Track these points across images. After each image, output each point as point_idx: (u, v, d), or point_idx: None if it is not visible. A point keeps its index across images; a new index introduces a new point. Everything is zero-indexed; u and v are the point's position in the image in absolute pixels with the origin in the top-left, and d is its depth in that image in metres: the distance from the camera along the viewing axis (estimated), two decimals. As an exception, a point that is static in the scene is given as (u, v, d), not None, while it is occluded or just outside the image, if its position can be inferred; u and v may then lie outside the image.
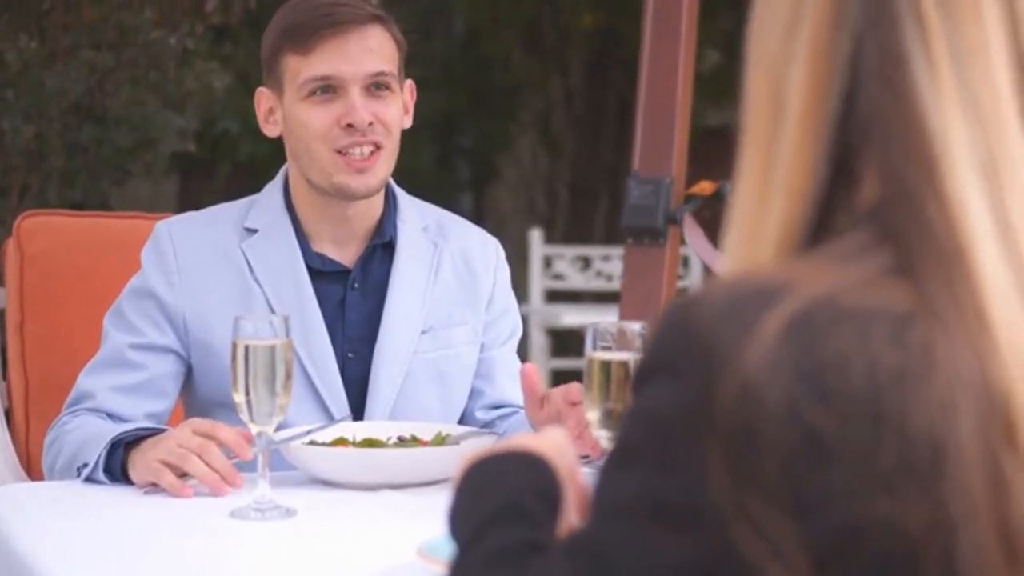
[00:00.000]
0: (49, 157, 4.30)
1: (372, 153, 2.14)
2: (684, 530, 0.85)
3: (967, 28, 0.89)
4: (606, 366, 1.63)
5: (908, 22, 0.89)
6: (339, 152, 2.13)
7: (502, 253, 2.36)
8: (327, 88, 2.13)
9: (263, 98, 2.22)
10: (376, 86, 2.14)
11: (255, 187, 2.31)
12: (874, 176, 0.90)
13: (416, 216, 2.28)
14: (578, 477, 1.14)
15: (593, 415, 1.64)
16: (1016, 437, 0.84)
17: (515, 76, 9.54)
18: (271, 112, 2.21)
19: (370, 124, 2.12)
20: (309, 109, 2.14)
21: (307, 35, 2.12)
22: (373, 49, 2.13)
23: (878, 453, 0.83)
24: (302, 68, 2.13)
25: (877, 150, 0.89)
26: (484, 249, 2.32)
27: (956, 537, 0.83)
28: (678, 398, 0.86)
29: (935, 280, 0.86)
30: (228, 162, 8.43)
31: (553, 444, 1.13)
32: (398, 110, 2.18)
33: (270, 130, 2.22)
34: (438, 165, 8.87)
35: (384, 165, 2.16)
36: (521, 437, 1.15)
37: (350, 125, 2.11)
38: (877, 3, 0.90)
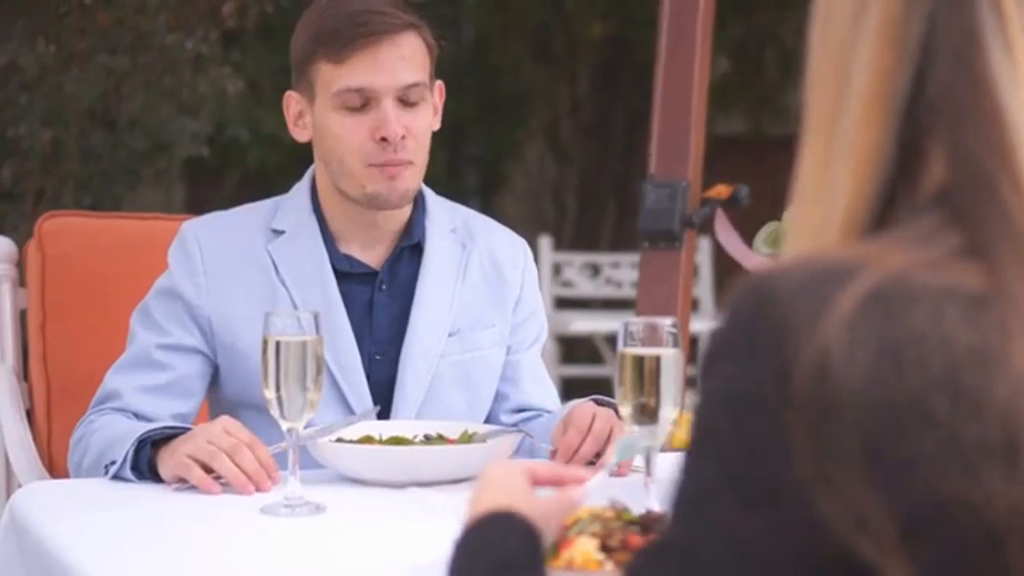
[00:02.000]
0: (64, 162, 4.30)
1: (402, 164, 2.14)
2: (772, 509, 0.85)
3: None
4: (639, 361, 1.63)
5: (984, 6, 0.89)
6: (372, 165, 2.13)
7: (530, 254, 2.36)
8: (360, 99, 2.12)
9: (292, 102, 2.21)
10: (409, 96, 2.13)
11: (264, 195, 2.30)
12: (942, 159, 0.90)
13: (445, 217, 2.28)
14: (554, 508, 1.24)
15: (625, 411, 1.65)
16: None
17: (524, 84, 9.55)
18: (300, 116, 2.20)
19: (403, 138, 2.12)
20: (342, 119, 2.13)
21: (341, 44, 2.10)
22: (406, 58, 2.12)
23: (956, 432, 0.83)
24: (335, 78, 2.12)
25: (947, 133, 0.89)
26: (512, 250, 2.33)
27: None
28: (754, 375, 0.86)
29: (1011, 263, 0.86)
30: (237, 169, 8.43)
31: (521, 495, 1.18)
32: (428, 118, 2.18)
33: (300, 134, 2.21)
34: (447, 172, 8.87)
35: (414, 178, 2.16)
36: (493, 492, 1.20)
37: (383, 139, 2.11)
38: None
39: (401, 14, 2.14)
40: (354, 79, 2.11)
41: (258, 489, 1.86)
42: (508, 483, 1.23)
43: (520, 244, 2.35)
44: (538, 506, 1.22)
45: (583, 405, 2.04)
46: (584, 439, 1.98)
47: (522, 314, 2.31)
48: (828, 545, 0.84)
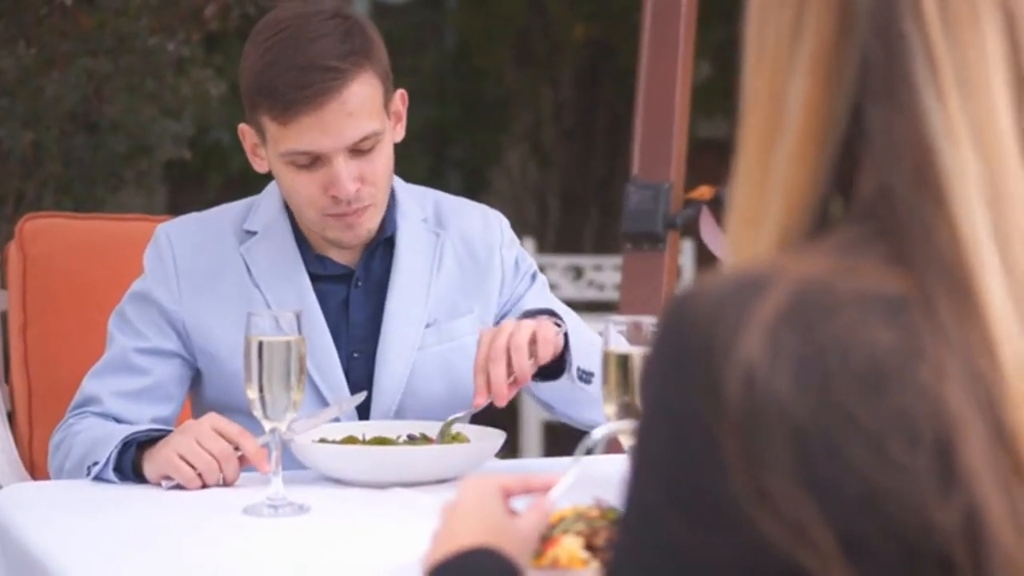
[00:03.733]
0: (45, 164, 4.28)
1: (360, 211, 2.11)
2: (715, 526, 0.85)
3: (971, 59, 0.88)
4: (623, 360, 1.63)
5: (915, 46, 0.88)
6: (328, 215, 2.10)
7: (506, 225, 2.32)
8: (308, 159, 2.06)
9: (247, 134, 2.15)
10: (361, 147, 2.07)
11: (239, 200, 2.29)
12: (871, 186, 0.90)
13: (415, 207, 2.26)
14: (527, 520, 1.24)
15: (610, 409, 1.65)
16: None
17: (506, 88, 9.55)
18: (257, 146, 2.15)
19: (356, 190, 2.08)
20: (293, 176, 2.09)
21: (283, 107, 2.03)
22: (353, 113, 2.04)
23: (884, 440, 0.83)
24: (280, 139, 2.05)
25: (879, 169, 0.89)
26: (487, 230, 2.29)
27: (981, 539, 0.82)
28: (685, 393, 0.86)
29: (941, 291, 0.86)
30: (220, 174, 8.41)
31: (498, 525, 1.20)
32: (387, 156, 2.12)
33: (259, 165, 2.17)
34: (429, 176, 8.87)
35: (374, 216, 2.14)
36: (470, 524, 1.19)
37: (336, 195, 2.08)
38: (884, 22, 0.89)
39: (344, 60, 2.03)
40: (300, 143, 2.04)
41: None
42: (484, 512, 1.23)
43: (494, 220, 2.31)
44: (517, 533, 1.22)
45: (483, 333, 2.02)
46: (487, 375, 1.96)
47: (510, 288, 2.28)
48: (773, 559, 0.83)
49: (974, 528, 0.82)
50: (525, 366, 1.96)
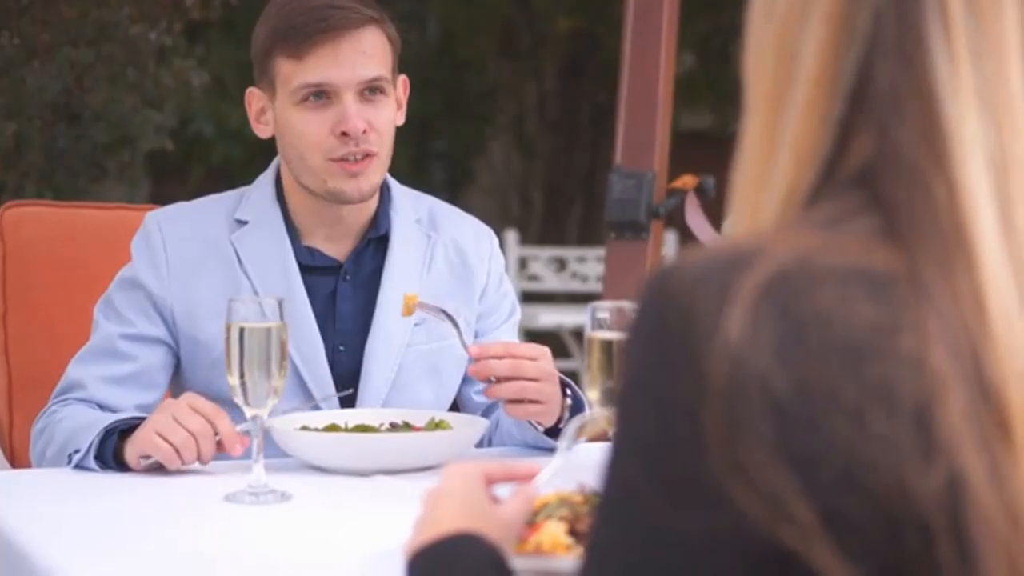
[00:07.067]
0: (27, 155, 4.27)
1: (365, 158, 2.12)
2: (699, 506, 0.84)
3: (987, 24, 0.89)
4: (607, 345, 1.63)
5: (931, 7, 0.89)
6: (333, 160, 2.12)
7: (495, 241, 2.36)
8: (320, 94, 2.10)
9: (254, 98, 2.19)
10: (370, 91, 2.12)
11: (229, 190, 2.29)
12: (869, 141, 0.90)
13: (409, 207, 2.27)
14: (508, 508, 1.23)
15: (594, 395, 1.65)
16: (1010, 434, 0.83)
17: (490, 80, 9.56)
18: (262, 112, 2.18)
19: (364, 132, 2.10)
20: (303, 116, 2.11)
21: (300, 40, 2.09)
22: (367, 53, 2.10)
23: (865, 412, 0.82)
24: (295, 74, 2.10)
25: (883, 123, 0.89)
26: (478, 240, 2.32)
27: (961, 503, 0.82)
28: (665, 370, 0.85)
29: (927, 246, 0.86)
30: (202, 165, 8.40)
31: (482, 511, 1.19)
32: (391, 114, 2.16)
33: (261, 131, 2.20)
34: (413, 168, 8.87)
35: (377, 171, 2.15)
36: (453, 510, 1.19)
37: (344, 133, 2.10)
38: None
39: (362, 8, 2.11)
40: (313, 75, 2.09)
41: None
42: (467, 498, 1.22)
43: (485, 233, 2.35)
44: (500, 519, 1.22)
45: (539, 346, 2.07)
46: (506, 357, 1.99)
47: (488, 303, 2.30)
48: (755, 538, 0.83)
49: (955, 493, 0.82)
50: (527, 392, 2.00)
